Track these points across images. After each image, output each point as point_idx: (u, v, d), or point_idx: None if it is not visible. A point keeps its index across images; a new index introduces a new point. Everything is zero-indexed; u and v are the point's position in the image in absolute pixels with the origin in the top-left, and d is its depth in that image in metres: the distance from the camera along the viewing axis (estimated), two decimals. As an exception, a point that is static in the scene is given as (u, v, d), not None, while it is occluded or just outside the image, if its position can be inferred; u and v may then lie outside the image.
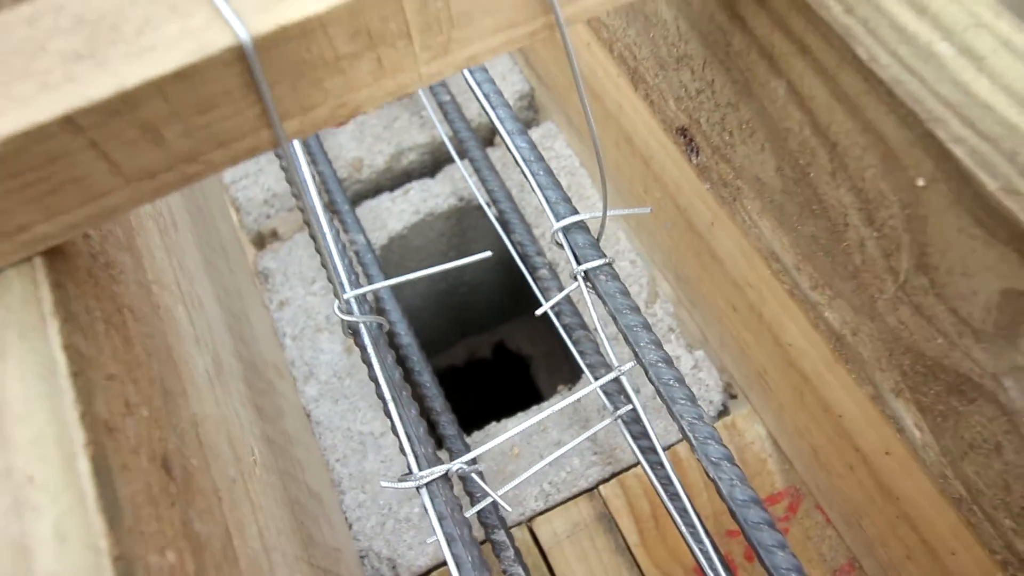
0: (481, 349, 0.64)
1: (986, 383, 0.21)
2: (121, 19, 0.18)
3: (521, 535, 0.38)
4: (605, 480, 0.39)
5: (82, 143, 0.17)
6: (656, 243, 0.42)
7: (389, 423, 0.35)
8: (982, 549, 0.25)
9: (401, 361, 0.37)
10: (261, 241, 0.49)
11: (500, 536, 0.33)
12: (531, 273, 0.38)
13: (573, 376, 0.58)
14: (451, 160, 0.50)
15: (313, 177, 0.39)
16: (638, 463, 0.39)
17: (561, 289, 0.38)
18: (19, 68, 0.17)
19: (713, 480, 0.25)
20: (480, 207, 0.49)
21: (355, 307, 0.28)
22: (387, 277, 0.41)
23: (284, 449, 0.35)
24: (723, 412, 0.41)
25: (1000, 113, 0.18)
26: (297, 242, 0.47)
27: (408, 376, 0.37)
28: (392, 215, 0.48)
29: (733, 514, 0.25)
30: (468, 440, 0.40)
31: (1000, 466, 0.22)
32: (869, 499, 0.32)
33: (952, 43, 0.19)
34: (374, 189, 0.50)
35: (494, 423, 0.42)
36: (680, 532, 0.32)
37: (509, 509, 0.29)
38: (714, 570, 0.30)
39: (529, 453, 0.41)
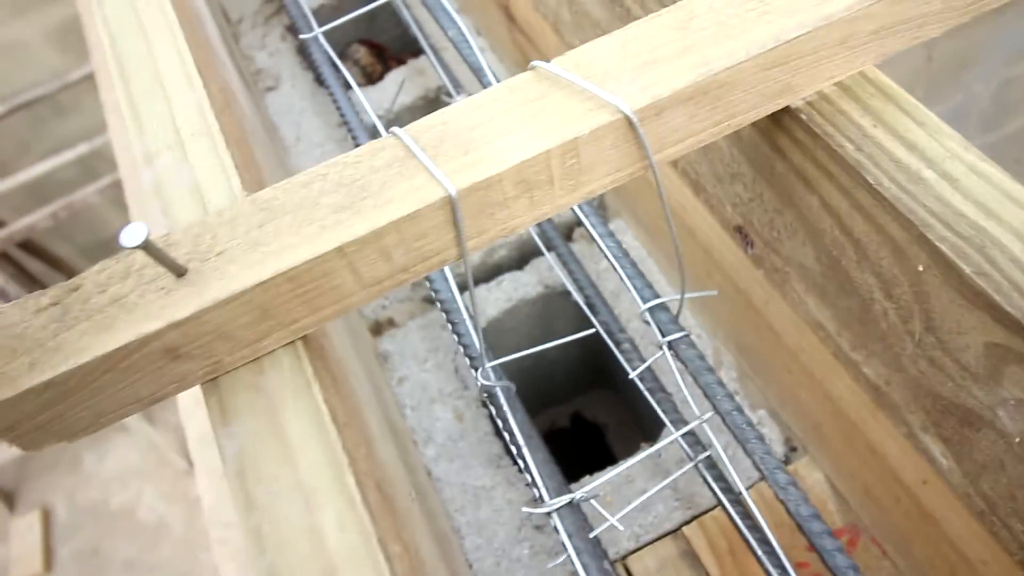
0: (560, 419, 0.72)
1: (986, 414, 0.28)
2: (367, 183, 0.27)
3: (619, 571, 0.45)
4: (687, 522, 0.46)
5: (343, 264, 0.26)
6: (718, 320, 0.50)
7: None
8: (1005, 554, 0.31)
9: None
10: (378, 328, 0.58)
11: (606, 565, 0.40)
12: (616, 347, 0.46)
13: (646, 439, 0.65)
14: (536, 254, 0.59)
15: (432, 281, 0.48)
16: (715, 507, 0.46)
17: (642, 359, 0.45)
18: (304, 216, 0.27)
19: (782, 501, 0.32)
20: (562, 293, 0.58)
21: (492, 375, 0.36)
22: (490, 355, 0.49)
23: (423, 495, 0.43)
24: (786, 462, 0.47)
25: (971, 219, 0.26)
26: (410, 328, 0.56)
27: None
28: (489, 302, 0.57)
29: (800, 528, 0.32)
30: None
31: (1006, 480, 0.29)
32: (915, 526, 0.38)
33: (934, 170, 0.28)
34: (472, 282, 0.59)
35: (587, 476, 0.49)
36: (757, 557, 0.38)
37: (622, 528, 0.36)
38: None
39: (619, 502, 0.48)
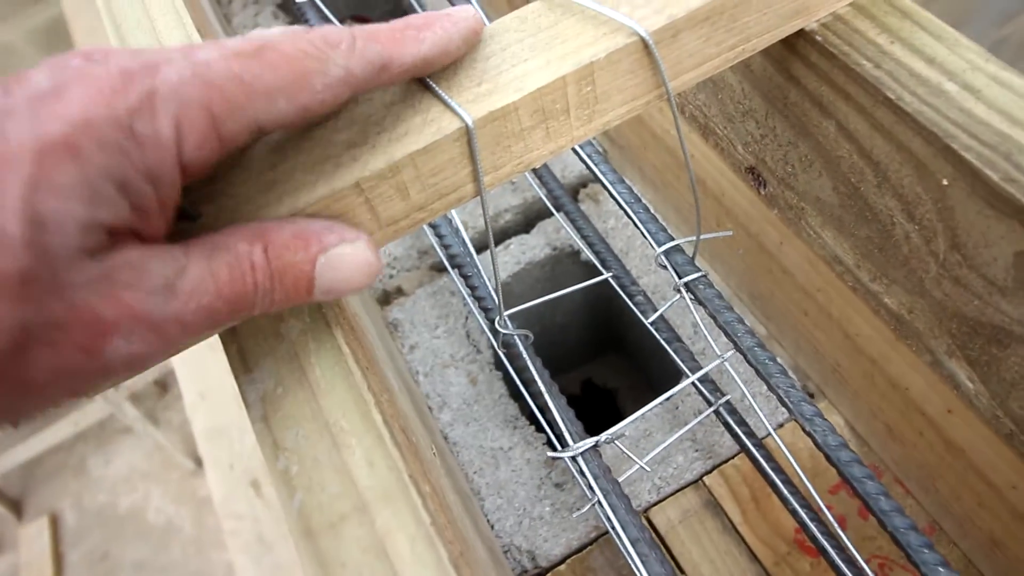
0: (571, 386, 0.72)
1: (1015, 329, 0.28)
2: (380, 118, 0.26)
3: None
4: (708, 472, 0.46)
5: (361, 200, 0.26)
6: (730, 269, 0.50)
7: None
8: (1036, 475, 0.31)
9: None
10: (387, 298, 0.57)
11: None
12: (630, 300, 0.45)
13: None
14: (542, 216, 0.59)
15: (442, 237, 0.48)
16: (736, 455, 0.46)
17: (655, 310, 0.45)
18: (319, 154, 0.26)
19: (809, 434, 0.32)
20: (570, 254, 0.57)
21: (509, 324, 0.36)
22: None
23: (442, 455, 0.42)
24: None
25: (995, 127, 0.26)
26: (419, 296, 0.56)
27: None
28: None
29: (829, 458, 0.32)
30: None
31: (1037, 395, 0.29)
32: (939, 459, 0.38)
33: (955, 82, 0.27)
34: (478, 247, 0.58)
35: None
36: (783, 500, 0.38)
37: (648, 470, 0.36)
38: (818, 527, 0.36)
39: (638, 455, 0.47)
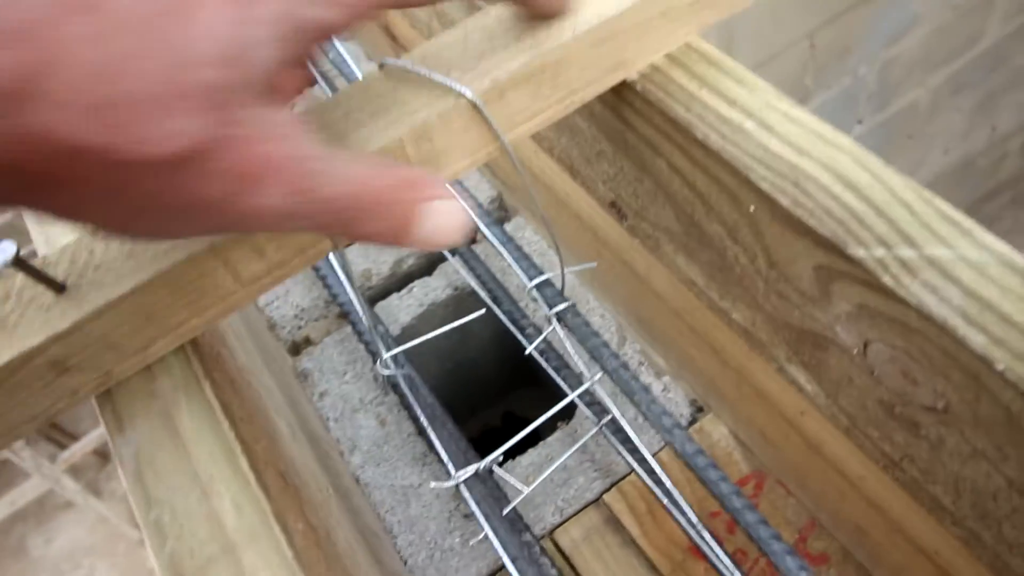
0: (492, 419, 0.74)
1: (828, 333, 0.31)
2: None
3: (546, 545, 0.47)
4: (606, 490, 0.48)
5: (219, 263, 0.28)
6: (616, 297, 0.53)
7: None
8: (872, 463, 0.34)
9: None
10: (296, 349, 0.59)
11: (527, 537, 0.42)
12: (521, 332, 0.48)
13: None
14: (443, 259, 0.61)
15: (330, 288, 0.50)
16: (630, 472, 0.49)
17: (545, 341, 0.48)
18: (177, 223, 0.28)
19: (668, 443, 0.35)
20: (471, 292, 0.60)
21: (392, 365, 0.38)
22: (405, 360, 0.51)
23: (346, 497, 0.44)
24: (692, 422, 0.50)
25: (786, 159, 0.29)
26: (327, 344, 0.57)
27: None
28: (401, 310, 0.58)
29: (693, 471, 0.34)
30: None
31: (855, 392, 0.32)
32: (804, 458, 0.41)
33: (753, 120, 0.31)
34: (383, 292, 0.60)
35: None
36: (674, 518, 0.41)
37: (526, 490, 0.38)
38: (704, 542, 0.39)
39: (543, 479, 0.49)
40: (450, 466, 0.35)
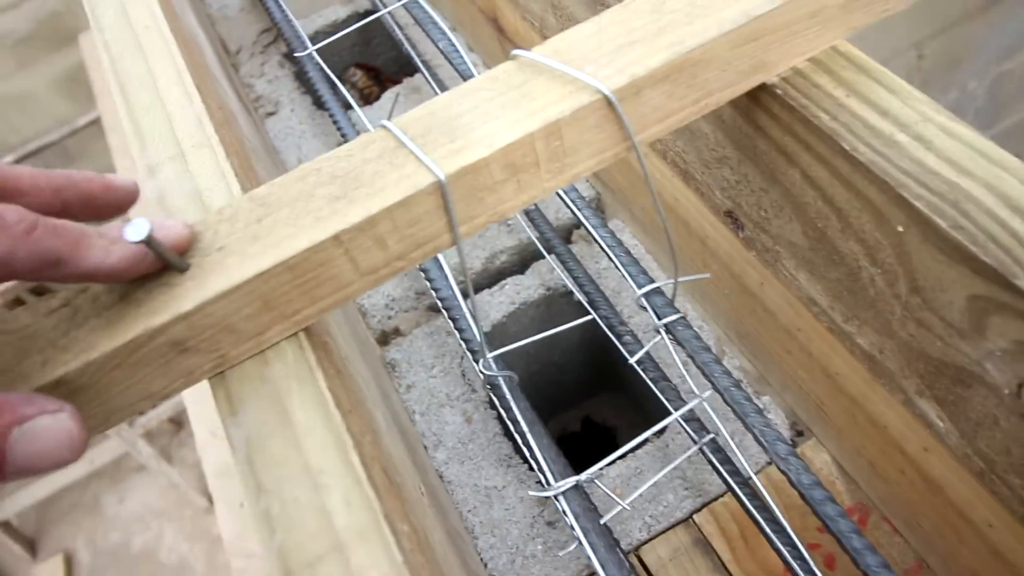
0: (571, 424, 0.72)
1: (975, 369, 0.29)
2: (360, 173, 0.28)
3: (632, 562, 0.45)
4: (697, 510, 0.46)
5: (340, 252, 0.27)
6: (719, 309, 0.51)
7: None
8: (1007, 513, 0.32)
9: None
10: (385, 338, 0.59)
11: (620, 554, 0.40)
12: (618, 339, 0.47)
13: (658, 437, 0.65)
14: (537, 258, 0.60)
15: (432, 282, 0.49)
16: (725, 493, 0.47)
17: (643, 348, 0.46)
18: (300, 208, 0.28)
19: (784, 472, 0.33)
20: (563, 294, 0.58)
21: (493, 366, 0.37)
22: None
23: (433, 494, 0.43)
24: (792, 447, 0.48)
25: (945, 176, 0.27)
26: (416, 336, 0.57)
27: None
28: (492, 307, 0.57)
29: (803, 496, 0.32)
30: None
31: (1000, 435, 0.29)
32: (921, 496, 0.38)
33: (907, 133, 0.28)
34: (474, 288, 0.60)
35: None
36: (769, 540, 0.38)
37: (629, 508, 0.37)
38: (804, 562, 0.37)
39: (629, 493, 0.48)
40: (549, 475, 0.34)
